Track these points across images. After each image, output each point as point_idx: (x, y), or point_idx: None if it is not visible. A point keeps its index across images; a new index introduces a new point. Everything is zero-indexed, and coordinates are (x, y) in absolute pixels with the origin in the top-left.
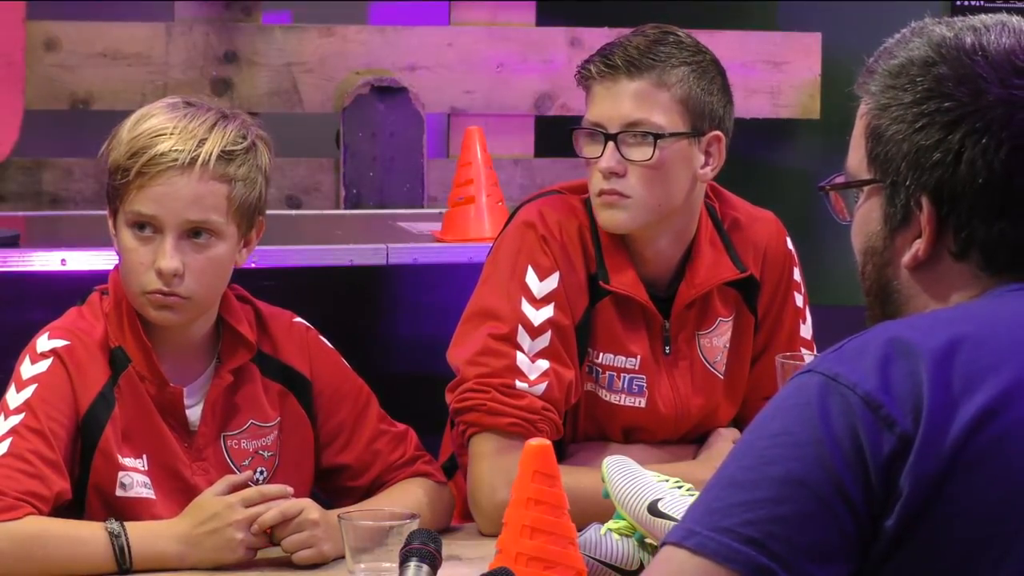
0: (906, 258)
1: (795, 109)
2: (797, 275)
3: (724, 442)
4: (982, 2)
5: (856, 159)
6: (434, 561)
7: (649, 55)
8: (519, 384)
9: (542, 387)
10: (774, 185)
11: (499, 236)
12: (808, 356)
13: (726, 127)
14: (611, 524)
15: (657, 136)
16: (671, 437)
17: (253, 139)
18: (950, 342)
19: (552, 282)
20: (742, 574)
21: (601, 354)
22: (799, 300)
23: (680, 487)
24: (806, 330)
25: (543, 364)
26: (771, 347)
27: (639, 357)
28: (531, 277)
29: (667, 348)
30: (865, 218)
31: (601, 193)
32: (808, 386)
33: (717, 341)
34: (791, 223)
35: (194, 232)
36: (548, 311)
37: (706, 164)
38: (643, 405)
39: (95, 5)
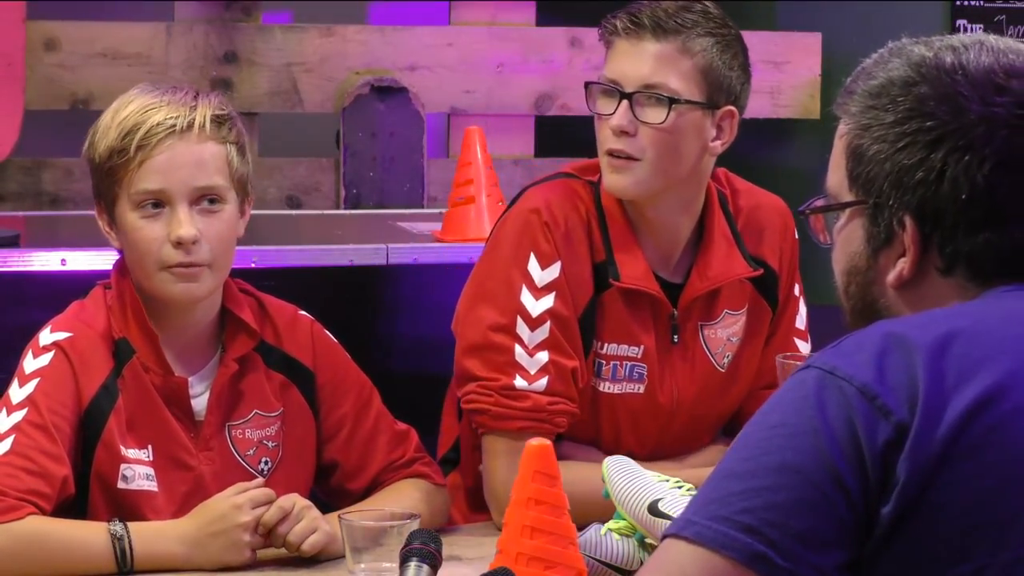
0: (891, 277)
1: (795, 109)
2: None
3: None
4: (982, 2)
5: (837, 180)
6: (434, 561)
7: (677, 19)
8: (519, 383)
9: (543, 382)
10: (774, 185)
11: (501, 218)
12: (805, 352)
13: (741, 104)
14: (611, 524)
15: (673, 100)
16: (664, 427)
17: (230, 111)
18: (945, 335)
19: (554, 271)
20: (738, 561)
21: (606, 344)
22: (797, 290)
23: (680, 487)
24: (800, 320)
25: (542, 357)
26: (775, 335)
27: (643, 346)
28: (533, 265)
29: (675, 337)
30: (847, 239)
31: (610, 152)
32: (806, 380)
33: (722, 333)
34: None
35: (204, 199)
36: (548, 301)
37: (717, 138)
38: (641, 391)
39: (95, 5)
